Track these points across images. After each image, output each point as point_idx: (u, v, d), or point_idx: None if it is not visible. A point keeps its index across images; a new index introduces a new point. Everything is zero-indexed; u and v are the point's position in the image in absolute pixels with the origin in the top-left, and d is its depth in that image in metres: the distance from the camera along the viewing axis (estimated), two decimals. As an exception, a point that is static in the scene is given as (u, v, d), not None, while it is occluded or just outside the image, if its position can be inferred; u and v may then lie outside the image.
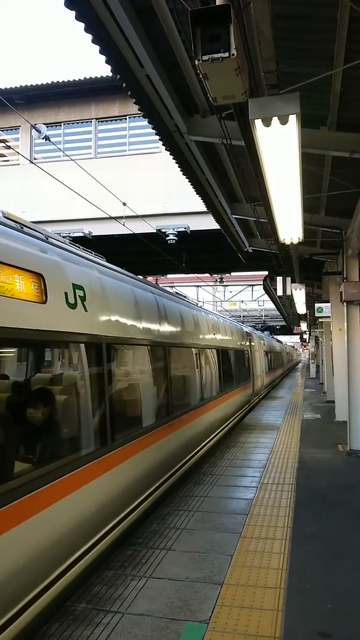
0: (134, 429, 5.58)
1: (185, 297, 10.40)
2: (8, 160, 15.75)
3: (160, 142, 6.75)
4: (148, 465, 5.72)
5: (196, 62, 2.95)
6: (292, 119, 3.74)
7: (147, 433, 5.82)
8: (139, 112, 5.80)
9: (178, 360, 7.87)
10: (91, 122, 14.67)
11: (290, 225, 6.75)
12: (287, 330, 47.39)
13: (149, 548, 4.66)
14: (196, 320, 9.35)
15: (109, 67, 4.75)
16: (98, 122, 14.67)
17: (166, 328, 7.12)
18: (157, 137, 6.50)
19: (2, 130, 15.31)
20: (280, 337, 48.72)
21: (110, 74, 5.12)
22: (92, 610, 3.55)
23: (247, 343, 16.42)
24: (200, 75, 3.11)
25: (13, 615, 3.17)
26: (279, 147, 4.21)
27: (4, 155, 15.92)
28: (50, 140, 9.39)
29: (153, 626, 3.33)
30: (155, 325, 6.61)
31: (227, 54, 2.85)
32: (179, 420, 7.26)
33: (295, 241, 7.40)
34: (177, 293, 9.90)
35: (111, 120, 14.65)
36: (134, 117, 13.97)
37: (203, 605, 3.61)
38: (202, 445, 8.75)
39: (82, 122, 14.74)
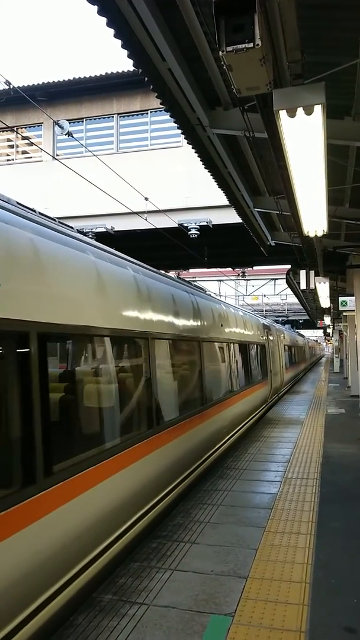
0: (84, 454, 4.05)
1: (184, 280, 8.80)
2: (31, 157, 15.93)
3: (182, 136, 6.73)
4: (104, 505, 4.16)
5: (220, 53, 2.93)
6: (318, 109, 3.69)
7: (111, 457, 4.35)
8: (161, 106, 5.80)
9: (164, 357, 6.31)
10: (113, 117, 14.71)
11: (314, 218, 6.66)
12: (310, 324, 46.93)
13: (174, 541, 4.69)
14: (196, 308, 7.88)
15: (130, 62, 4.76)
16: (120, 117, 14.70)
17: (149, 315, 5.75)
18: (179, 131, 6.48)
19: (25, 127, 15.47)
20: (303, 331, 48.23)
21: (131, 69, 5.13)
22: (118, 602, 3.59)
23: (265, 337, 15.26)
24: (224, 67, 3.09)
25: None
26: (304, 138, 4.15)
27: (27, 152, 16.10)
28: (72, 136, 9.46)
29: (178, 618, 3.36)
30: (130, 311, 5.23)
31: (251, 44, 2.83)
32: (158, 437, 5.52)
33: (320, 234, 7.31)
34: (178, 277, 8.82)
35: (133, 115, 14.66)
36: (156, 111, 13.96)
37: (228, 598, 3.62)
38: (186, 474, 6.52)
39: (103, 118, 14.79)
